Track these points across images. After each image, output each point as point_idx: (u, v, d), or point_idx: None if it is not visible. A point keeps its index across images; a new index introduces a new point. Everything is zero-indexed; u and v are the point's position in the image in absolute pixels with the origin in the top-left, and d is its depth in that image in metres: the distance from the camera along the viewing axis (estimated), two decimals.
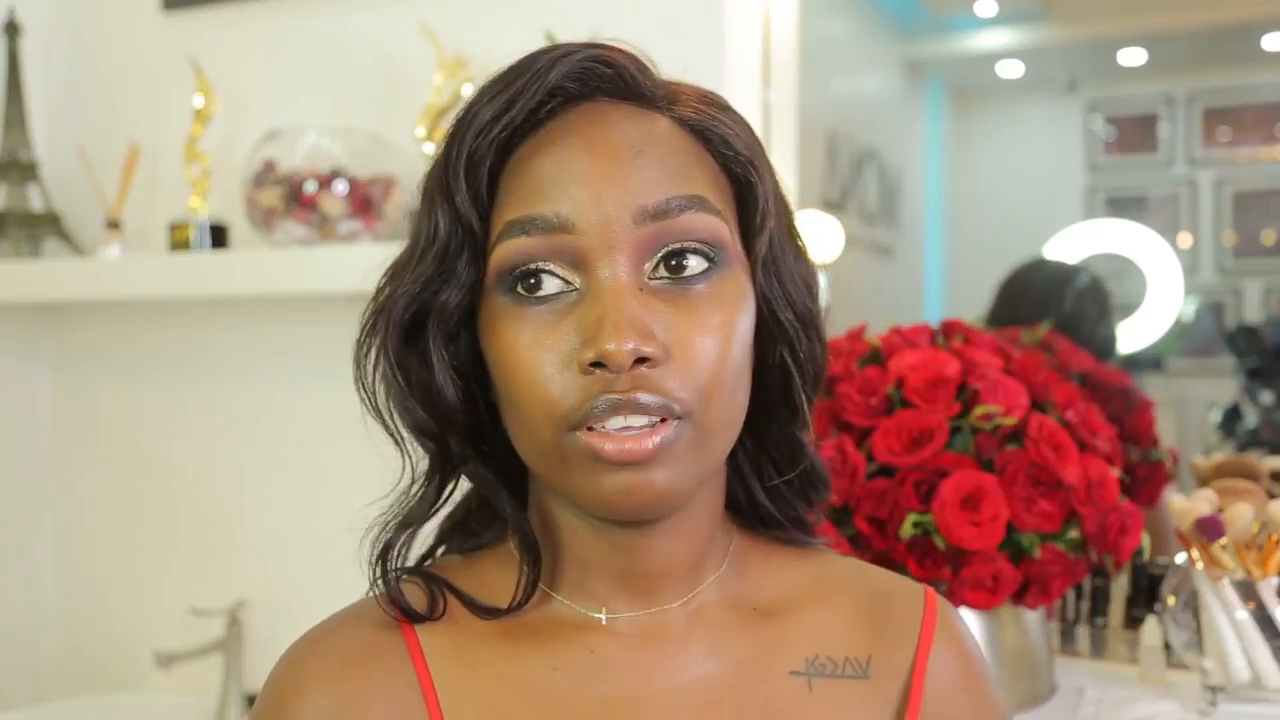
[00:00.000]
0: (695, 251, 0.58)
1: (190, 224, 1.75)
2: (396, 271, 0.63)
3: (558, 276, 0.57)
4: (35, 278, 1.85)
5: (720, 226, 0.59)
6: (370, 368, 0.63)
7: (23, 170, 1.91)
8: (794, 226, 0.66)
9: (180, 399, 1.91)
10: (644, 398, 0.54)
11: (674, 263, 0.57)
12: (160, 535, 1.92)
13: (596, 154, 0.57)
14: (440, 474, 0.65)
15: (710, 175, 0.60)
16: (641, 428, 0.55)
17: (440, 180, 0.60)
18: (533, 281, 0.57)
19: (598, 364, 0.54)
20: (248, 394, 1.84)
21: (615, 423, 0.55)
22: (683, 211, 0.57)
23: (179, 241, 1.75)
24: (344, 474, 1.73)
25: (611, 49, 0.60)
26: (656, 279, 0.57)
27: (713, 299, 0.58)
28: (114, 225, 1.84)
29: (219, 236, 1.77)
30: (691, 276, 0.57)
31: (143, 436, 1.94)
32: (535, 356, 0.56)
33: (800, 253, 0.66)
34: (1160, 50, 2.69)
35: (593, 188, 0.56)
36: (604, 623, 0.62)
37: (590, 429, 0.55)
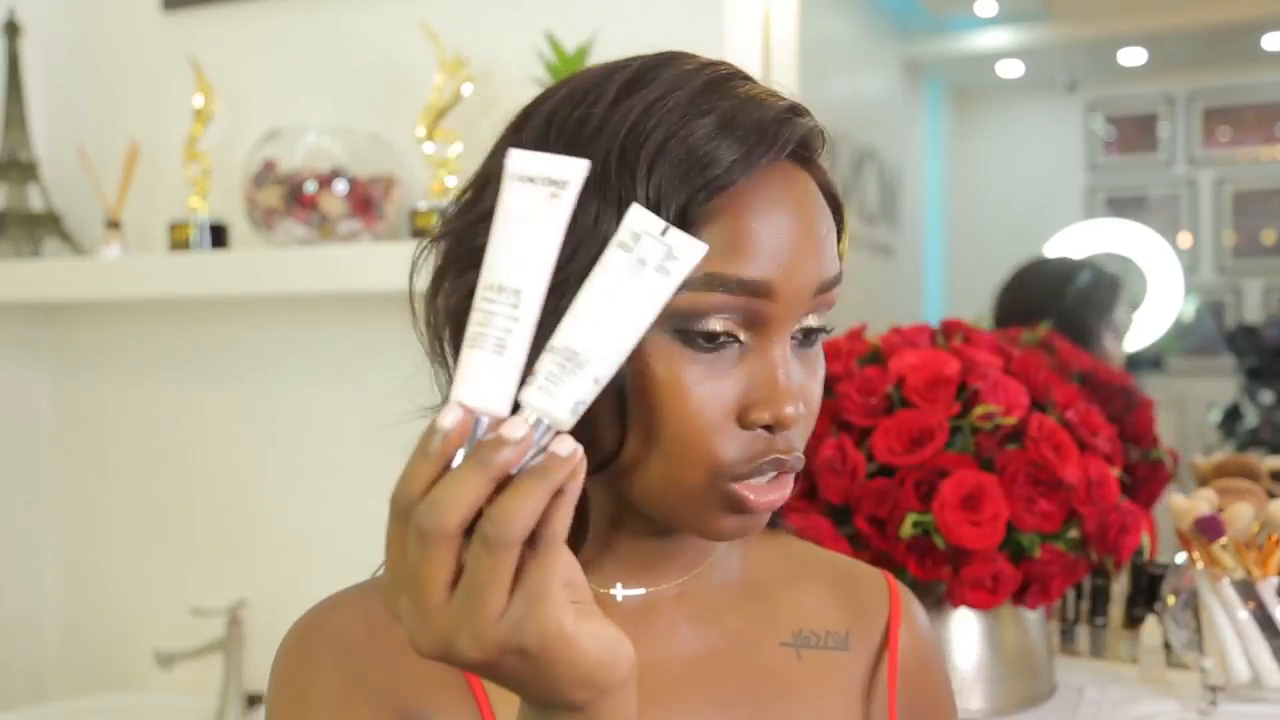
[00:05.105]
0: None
1: (190, 224, 1.75)
2: None
3: (733, 333, 0.58)
4: (35, 278, 1.85)
5: None
6: (440, 307, 0.62)
7: (23, 170, 1.91)
8: None
9: (180, 399, 1.91)
10: (796, 460, 0.59)
11: (812, 329, 0.61)
12: (160, 535, 1.92)
13: (800, 226, 0.59)
14: None
15: None
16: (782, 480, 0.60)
17: (610, 181, 0.56)
18: (711, 334, 0.57)
19: (765, 425, 0.57)
20: (248, 393, 1.84)
21: (769, 477, 0.59)
22: (836, 284, 0.61)
23: (179, 241, 1.75)
24: (344, 473, 1.73)
25: (807, 113, 0.62)
26: (793, 339, 0.60)
27: (819, 356, 0.63)
28: (114, 225, 1.84)
29: (219, 236, 1.77)
30: (816, 339, 0.62)
31: (143, 436, 1.94)
32: (702, 406, 0.57)
33: None
34: (1160, 50, 2.69)
35: (795, 259, 0.58)
36: (615, 599, 0.65)
37: (742, 479, 0.58)
